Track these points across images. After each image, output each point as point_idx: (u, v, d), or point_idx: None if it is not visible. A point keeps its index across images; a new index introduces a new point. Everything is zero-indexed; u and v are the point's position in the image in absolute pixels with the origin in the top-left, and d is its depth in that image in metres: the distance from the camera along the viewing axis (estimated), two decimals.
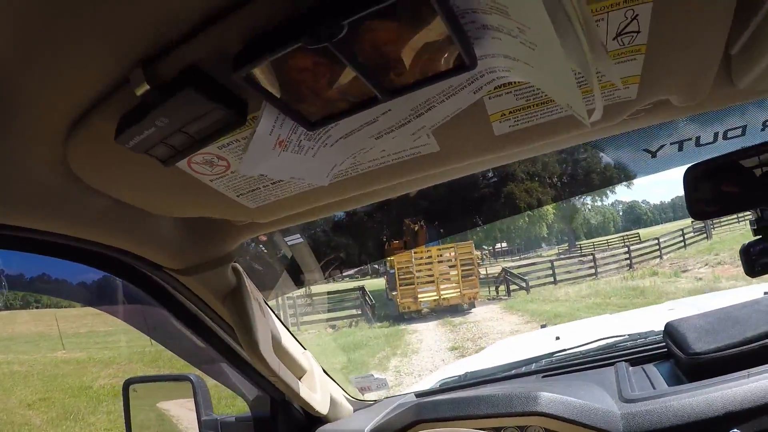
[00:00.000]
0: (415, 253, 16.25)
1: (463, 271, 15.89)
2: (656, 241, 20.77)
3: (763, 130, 1.19)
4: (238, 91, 0.58)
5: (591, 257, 20.69)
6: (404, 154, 0.77)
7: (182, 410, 1.63)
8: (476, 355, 2.94)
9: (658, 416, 1.19)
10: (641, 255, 20.21)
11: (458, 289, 15.58)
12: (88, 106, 0.60)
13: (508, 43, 0.51)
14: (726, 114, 1.21)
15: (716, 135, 1.20)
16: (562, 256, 28.41)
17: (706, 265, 15.00)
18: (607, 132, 0.92)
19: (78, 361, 12.63)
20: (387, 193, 1.03)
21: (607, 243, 35.13)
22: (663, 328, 1.57)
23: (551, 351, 1.93)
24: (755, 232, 1.16)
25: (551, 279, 18.47)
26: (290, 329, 1.46)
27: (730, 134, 1.21)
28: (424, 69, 0.53)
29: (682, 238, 21.93)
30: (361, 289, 17.30)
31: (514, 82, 0.64)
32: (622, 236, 38.07)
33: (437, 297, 15.46)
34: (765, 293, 1.80)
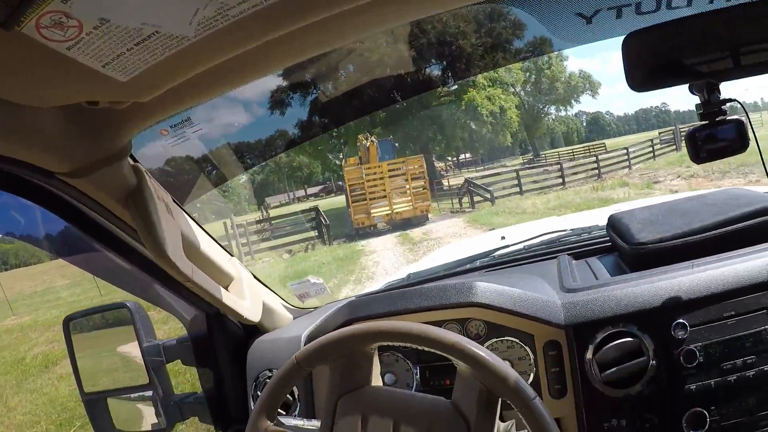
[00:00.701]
0: (366, 168, 16.59)
1: (414, 184, 16.17)
2: (624, 151, 20.38)
3: (711, 1, 1.07)
4: None
5: (558, 166, 19.84)
6: None
7: (124, 338, 1.59)
8: (423, 259, 2.94)
9: (600, 305, 1.17)
10: (610, 165, 19.73)
11: (411, 203, 15.89)
12: None
13: None
14: None
15: (659, 2, 1.07)
16: (527, 166, 27.75)
17: (679, 177, 14.93)
18: None
19: (22, 327, 12.27)
20: (279, 59, 0.87)
21: (572, 153, 34.57)
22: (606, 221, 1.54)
23: (495, 248, 1.89)
24: (701, 117, 1.08)
25: (517, 189, 17.97)
26: (240, 255, 1.38)
27: (674, 3, 1.08)
28: None
29: (651, 149, 21.74)
30: (315, 209, 16.81)
31: None
32: (588, 146, 37.55)
33: (390, 211, 15.77)
34: None
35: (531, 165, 29.17)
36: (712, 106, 1.04)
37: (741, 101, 1.08)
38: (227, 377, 1.53)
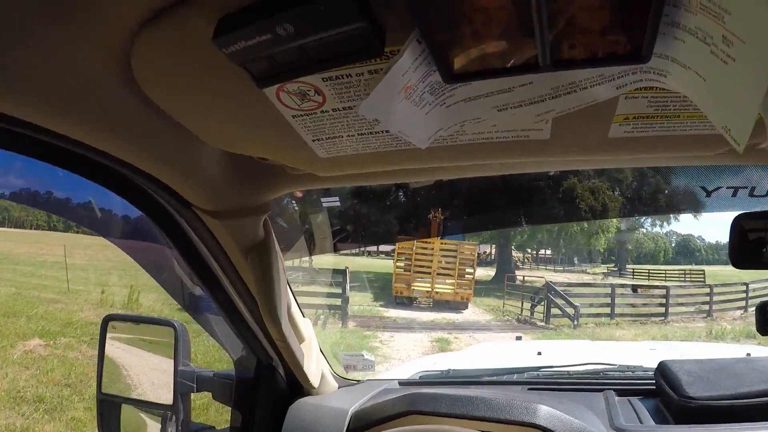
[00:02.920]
0: (417, 241, 16.20)
1: (461, 270, 15.81)
2: (744, 287, 15.75)
3: None
4: (381, 16, 0.48)
5: (664, 291, 15.55)
6: (511, 135, 0.72)
7: (159, 355, 1.54)
8: (457, 353, 2.97)
9: None
10: (722, 301, 15.55)
11: (453, 287, 15.57)
12: None
13: (693, 48, 0.47)
14: None
15: None
16: (624, 284, 19.98)
17: None
18: (701, 161, 0.91)
19: None
20: (465, 172, 0.96)
21: (665, 274, 28.70)
22: (656, 366, 1.60)
23: (536, 365, 1.95)
24: None
25: (608, 310, 14.23)
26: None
27: None
28: (597, 47, 0.49)
29: None
30: (344, 272, 13.91)
31: (654, 88, 0.61)
32: (684, 270, 30.62)
33: (430, 289, 15.51)
34: (747, 354, 1.89)
35: (621, 283, 21.86)
36: None
37: None
38: (260, 425, 1.49)
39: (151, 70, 0.61)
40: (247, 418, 1.50)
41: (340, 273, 13.54)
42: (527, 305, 15.17)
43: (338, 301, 12.83)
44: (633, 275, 29.89)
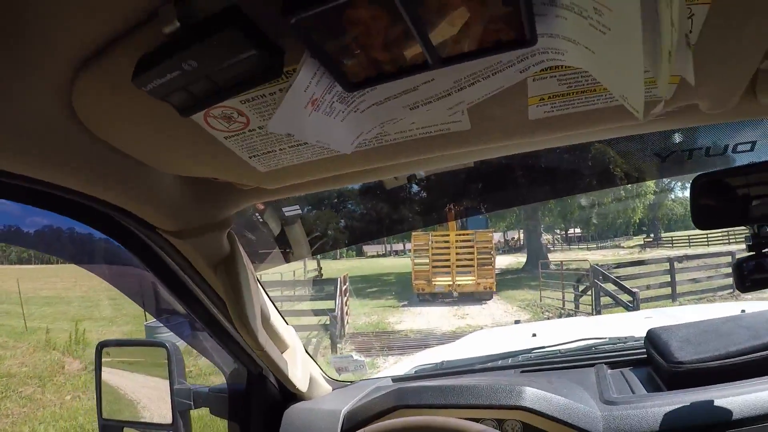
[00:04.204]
0: (434, 235, 16.04)
1: (480, 259, 15.48)
2: None
3: None
4: (276, 40, 0.52)
5: (729, 258, 12.32)
6: (433, 129, 0.74)
7: (154, 376, 1.59)
8: (452, 344, 2.97)
9: (639, 420, 1.21)
10: None
11: (474, 277, 15.34)
12: (106, 41, 0.54)
13: (574, 23, 0.49)
14: (739, 127, 1.23)
15: (726, 147, 1.22)
16: (683, 257, 14.21)
17: None
18: (634, 130, 0.92)
19: None
20: (405, 169, 1.00)
21: (707, 239, 25.72)
22: (644, 334, 1.59)
23: (529, 347, 1.94)
24: (749, 248, 1.18)
25: (668, 290, 11.69)
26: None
27: (739, 148, 1.22)
28: (481, 39, 0.50)
29: None
30: (335, 282, 11.99)
31: (561, 67, 0.62)
32: (727, 231, 22.53)
33: (451, 282, 15.31)
34: (742, 311, 1.86)
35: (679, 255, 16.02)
36: (760, 239, 1.14)
37: None
38: None
39: (92, 108, 0.65)
40: (244, 429, 1.53)
41: (331, 283, 12.08)
42: (570, 295, 13.08)
43: (325, 321, 10.48)
44: (672, 244, 27.68)
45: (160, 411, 1.56)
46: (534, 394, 1.31)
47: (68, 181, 0.80)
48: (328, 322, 10.36)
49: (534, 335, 2.37)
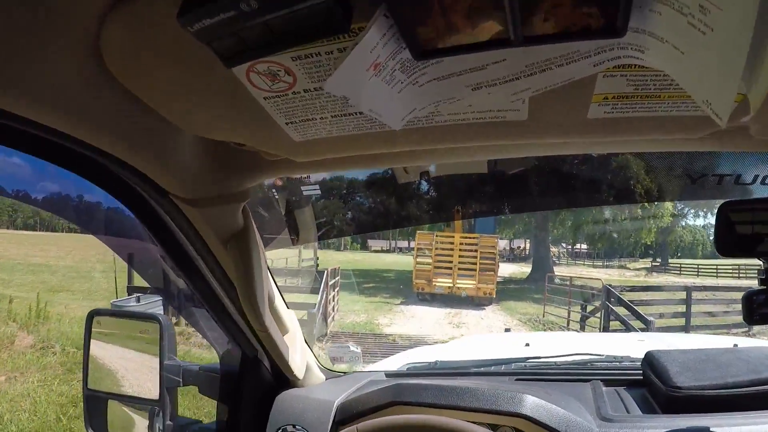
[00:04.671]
0: (438, 236, 16.00)
1: (482, 264, 15.43)
2: None
3: None
4: None
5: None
6: (488, 115, 0.71)
7: (144, 350, 1.58)
8: (445, 345, 2.97)
9: None
10: None
11: (475, 282, 15.31)
12: None
13: (669, 20, 0.46)
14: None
15: (756, 177, 1.21)
16: (700, 286, 14.98)
17: None
18: (683, 146, 0.90)
19: None
20: (446, 156, 0.95)
21: (717, 270, 25.72)
22: (642, 356, 1.59)
23: (524, 356, 1.94)
24: (761, 282, 1.17)
25: (681, 321, 11.32)
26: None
27: None
28: (569, 21, 0.48)
29: None
30: (323, 273, 11.44)
31: (633, 66, 0.60)
32: (737, 264, 24.49)
33: (452, 284, 15.31)
34: (735, 345, 1.85)
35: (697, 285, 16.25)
36: None
37: None
38: (246, 418, 1.52)
39: (122, 55, 0.61)
40: (233, 411, 1.52)
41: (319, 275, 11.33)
42: (576, 314, 12.35)
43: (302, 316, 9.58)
44: (680, 271, 27.62)
45: (148, 385, 1.54)
46: (535, 403, 1.30)
47: (89, 136, 0.76)
48: (305, 318, 9.56)
49: (527, 345, 2.37)
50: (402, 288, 17.12)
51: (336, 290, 12.44)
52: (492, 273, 15.57)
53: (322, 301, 10.43)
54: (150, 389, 1.54)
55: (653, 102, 0.67)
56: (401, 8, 0.48)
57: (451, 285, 15.33)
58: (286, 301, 1.46)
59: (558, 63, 0.57)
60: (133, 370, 1.63)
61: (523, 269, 25.23)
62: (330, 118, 0.71)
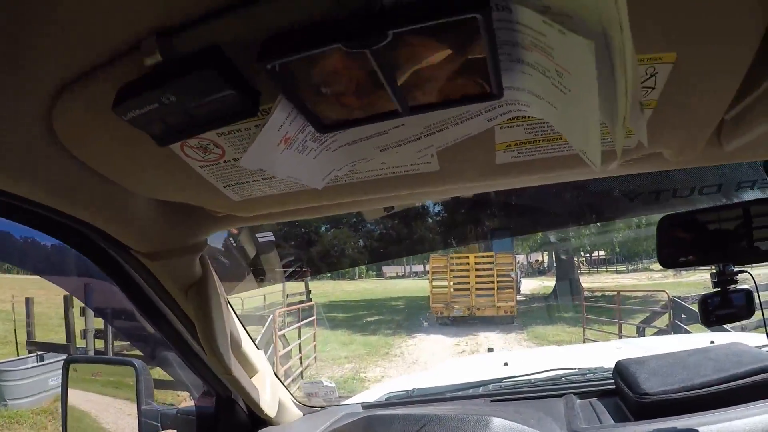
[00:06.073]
0: (452, 258, 15.79)
1: (500, 282, 15.07)
2: None
3: (736, 190, 1.22)
4: (253, 80, 0.55)
5: None
6: (403, 169, 0.77)
7: (122, 396, 1.60)
8: (424, 372, 2.95)
9: None
10: None
11: (494, 301, 14.98)
12: (89, 67, 0.56)
13: (538, 81, 0.51)
14: (705, 171, 1.24)
15: (692, 189, 1.23)
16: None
17: None
18: (600, 174, 0.94)
19: None
20: (375, 204, 1.02)
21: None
22: (613, 366, 1.59)
23: (500, 376, 1.94)
24: (714, 285, 1.19)
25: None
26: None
27: (705, 190, 1.24)
28: (449, 91, 0.53)
29: None
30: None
31: (528, 117, 0.64)
32: None
33: (470, 306, 15.03)
34: (711, 342, 1.83)
35: None
36: (725, 276, 1.16)
37: (750, 272, 1.19)
38: None
39: (72, 129, 0.67)
40: None
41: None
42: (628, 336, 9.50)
43: None
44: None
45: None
46: (502, 425, 1.30)
47: (45, 198, 0.82)
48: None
49: (506, 364, 2.37)
50: (409, 320, 16.57)
51: (311, 334, 10.98)
52: (511, 290, 15.23)
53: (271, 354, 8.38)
54: None
55: (555, 144, 0.72)
56: (297, 94, 0.53)
57: (470, 306, 15.03)
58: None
59: (453, 122, 0.63)
60: (112, 417, 1.65)
61: (544, 284, 24.39)
62: (261, 180, 0.78)
